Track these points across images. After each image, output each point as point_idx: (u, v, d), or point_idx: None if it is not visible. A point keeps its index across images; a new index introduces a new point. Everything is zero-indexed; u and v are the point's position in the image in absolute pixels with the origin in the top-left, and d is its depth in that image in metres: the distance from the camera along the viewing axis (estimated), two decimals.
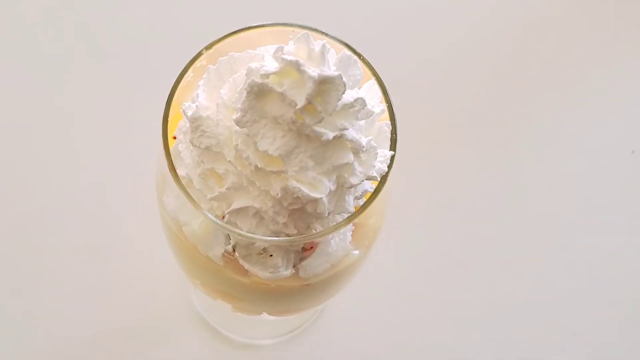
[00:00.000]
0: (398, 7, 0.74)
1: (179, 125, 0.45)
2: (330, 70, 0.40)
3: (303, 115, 0.39)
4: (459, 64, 0.73)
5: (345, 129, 0.40)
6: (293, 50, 0.41)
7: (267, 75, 0.40)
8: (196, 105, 0.42)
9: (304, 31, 0.43)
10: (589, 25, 0.75)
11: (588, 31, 0.75)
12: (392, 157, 0.43)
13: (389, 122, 0.44)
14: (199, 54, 0.45)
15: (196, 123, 0.42)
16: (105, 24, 0.72)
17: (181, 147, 0.44)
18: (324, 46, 0.40)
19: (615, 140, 0.71)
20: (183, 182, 0.43)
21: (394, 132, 0.44)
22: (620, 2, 0.76)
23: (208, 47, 0.45)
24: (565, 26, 0.75)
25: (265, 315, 0.54)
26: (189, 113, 0.42)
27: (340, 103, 0.40)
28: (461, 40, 0.73)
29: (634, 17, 0.75)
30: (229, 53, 0.43)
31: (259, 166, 0.40)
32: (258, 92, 0.40)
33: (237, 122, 0.40)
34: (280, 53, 0.40)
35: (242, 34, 0.45)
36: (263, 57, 0.41)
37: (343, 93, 0.40)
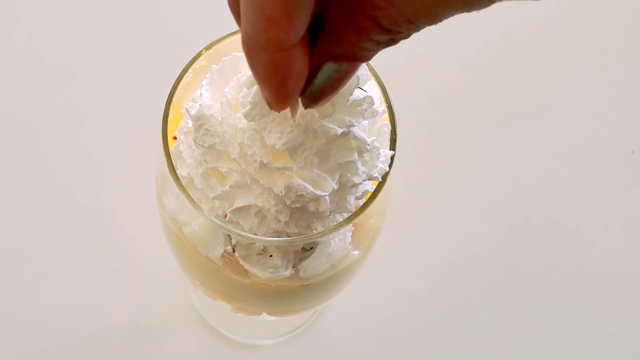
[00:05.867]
0: None
1: (180, 126, 0.45)
2: None
3: (313, 109, 0.39)
4: (459, 64, 0.73)
5: (352, 126, 0.40)
6: None
7: None
8: (199, 104, 0.42)
9: None
10: (588, 26, 0.75)
11: (587, 31, 0.75)
12: (392, 157, 0.43)
13: (388, 122, 0.44)
14: (199, 55, 0.45)
15: (200, 122, 0.42)
16: (105, 24, 0.72)
17: (182, 148, 0.44)
18: None
19: (615, 140, 0.71)
20: (183, 183, 0.43)
21: (393, 132, 0.44)
22: (620, 2, 0.76)
23: (208, 48, 0.45)
24: (564, 26, 0.75)
25: (265, 316, 0.54)
26: (193, 112, 0.42)
27: (351, 98, 0.40)
28: (461, 40, 0.73)
29: (634, 17, 0.75)
30: (233, 53, 0.43)
31: (265, 162, 0.40)
32: None
33: (246, 116, 0.40)
34: None
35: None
36: None
37: (355, 88, 0.40)
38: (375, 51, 0.32)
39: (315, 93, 0.33)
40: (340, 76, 0.33)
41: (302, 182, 0.40)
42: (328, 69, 0.32)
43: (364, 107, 0.40)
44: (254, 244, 0.43)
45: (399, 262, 0.65)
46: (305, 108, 0.35)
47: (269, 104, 0.33)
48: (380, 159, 0.43)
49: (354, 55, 0.32)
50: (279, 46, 0.30)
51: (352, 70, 0.33)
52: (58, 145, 0.67)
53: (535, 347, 0.64)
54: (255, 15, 0.29)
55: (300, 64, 0.31)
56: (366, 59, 0.32)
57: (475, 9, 0.30)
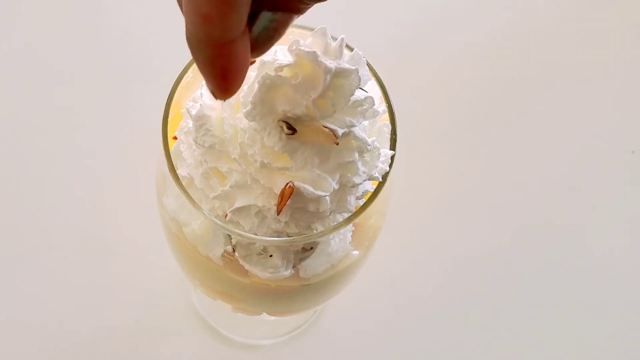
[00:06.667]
0: (398, 9, 0.74)
1: (180, 126, 0.45)
2: (347, 65, 0.40)
3: (314, 109, 0.39)
4: (459, 64, 0.73)
5: (353, 126, 0.40)
6: (309, 43, 0.40)
7: (280, 68, 0.39)
8: (200, 104, 0.42)
9: (303, 31, 0.44)
10: (589, 26, 0.75)
11: (587, 31, 0.75)
12: (393, 157, 0.43)
13: (388, 123, 0.44)
14: None
15: (200, 122, 0.42)
16: (105, 24, 0.72)
17: (182, 148, 0.44)
18: (342, 40, 0.40)
19: (615, 140, 0.71)
20: (184, 183, 0.43)
21: (393, 132, 0.44)
22: (621, 2, 0.76)
23: None
24: (565, 26, 0.75)
25: (265, 316, 0.54)
26: (193, 112, 0.42)
27: (352, 99, 0.40)
28: (461, 41, 0.73)
29: (634, 17, 0.75)
30: None
31: (265, 162, 0.40)
32: (270, 85, 0.39)
33: (247, 115, 0.40)
34: (296, 46, 0.40)
35: None
36: (275, 52, 0.41)
37: (356, 88, 0.40)
38: (308, 5, 0.33)
39: (251, 43, 0.33)
40: (275, 26, 0.34)
41: (302, 183, 0.40)
42: (264, 19, 0.33)
43: (364, 107, 0.40)
44: (254, 244, 0.43)
45: (399, 262, 0.65)
46: None
47: (213, 94, 0.34)
48: (381, 159, 0.43)
49: (289, 6, 0.33)
50: (218, 42, 0.31)
51: (286, 22, 0.34)
52: (58, 145, 0.67)
53: (535, 347, 0.64)
54: (193, 12, 0.31)
55: (240, 57, 0.32)
56: (299, 11, 0.34)
57: None
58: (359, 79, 0.39)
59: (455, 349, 0.64)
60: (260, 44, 0.34)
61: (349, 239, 0.46)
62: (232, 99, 0.42)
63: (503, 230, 0.67)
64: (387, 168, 0.43)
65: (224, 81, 0.33)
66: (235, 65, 0.32)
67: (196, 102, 0.43)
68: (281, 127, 0.39)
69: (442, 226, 0.67)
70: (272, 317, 0.56)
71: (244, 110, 0.40)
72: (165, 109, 0.43)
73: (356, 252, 0.47)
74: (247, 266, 0.45)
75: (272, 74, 0.39)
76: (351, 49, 0.42)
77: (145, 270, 0.64)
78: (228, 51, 0.32)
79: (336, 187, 0.41)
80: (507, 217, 0.68)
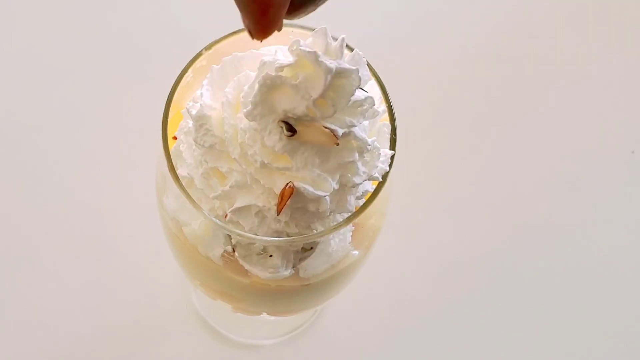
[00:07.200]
0: (398, 9, 0.74)
1: (180, 126, 0.45)
2: (348, 65, 0.40)
3: (315, 109, 0.39)
4: (458, 64, 0.73)
5: (353, 126, 0.40)
6: (310, 43, 0.41)
7: (281, 68, 0.39)
8: (200, 104, 0.42)
9: (304, 31, 0.44)
10: (589, 26, 0.75)
11: (587, 31, 0.75)
12: (392, 157, 0.43)
13: (388, 122, 0.44)
14: (199, 54, 0.45)
15: (200, 122, 0.42)
16: (105, 23, 0.72)
17: (182, 148, 0.44)
18: (342, 40, 0.40)
19: (615, 140, 0.71)
20: (183, 183, 0.43)
21: (393, 132, 0.44)
22: (620, 2, 0.76)
23: (208, 48, 0.45)
24: (565, 26, 0.75)
25: (265, 316, 0.54)
26: (193, 112, 0.42)
27: (352, 99, 0.40)
28: (461, 40, 0.73)
29: (634, 17, 0.75)
30: (233, 53, 0.43)
31: (265, 162, 0.40)
32: (271, 85, 0.39)
33: (247, 115, 0.40)
34: (296, 46, 0.40)
35: (241, 34, 0.45)
36: (275, 52, 0.41)
37: (357, 88, 0.40)
38: None
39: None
40: None
41: (302, 183, 0.40)
42: None
43: (364, 107, 0.40)
44: (254, 244, 0.43)
45: (399, 262, 0.65)
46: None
47: (250, 32, 0.33)
48: (381, 159, 0.43)
49: None
50: None
51: None
52: (58, 145, 0.67)
53: (535, 347, 0.64)
54: None
55: None
56: None
57: None
58: (360, 79, 0.39)
59: (455, 349, 0.64)
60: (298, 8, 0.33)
61: (349, 239, 0.46)
62: (232, 99, 0.42)
63: (503, 230, 0.67)
64: (387, 168, 0.43)
65: (264, 16, 0.32)
66: (277, 1, 0.31)
67: (196, 102, 0.43)
68: (281, 127, 0.39)
69: (442, 226, 0.67)
70: (272, 317, 0.56)
71: (245, 110, 0.40)
72: (165, 109, 0.43)
73: (356, 252, 0.47)
74: (247, 266, 0.45)
75: (273, 74, 0.39)
76: (351, 49, 0.42)
77: (145, 270, 0.64)
78: None
79: (336, 187, 0.41)
80: (507, 217, 0.68)
